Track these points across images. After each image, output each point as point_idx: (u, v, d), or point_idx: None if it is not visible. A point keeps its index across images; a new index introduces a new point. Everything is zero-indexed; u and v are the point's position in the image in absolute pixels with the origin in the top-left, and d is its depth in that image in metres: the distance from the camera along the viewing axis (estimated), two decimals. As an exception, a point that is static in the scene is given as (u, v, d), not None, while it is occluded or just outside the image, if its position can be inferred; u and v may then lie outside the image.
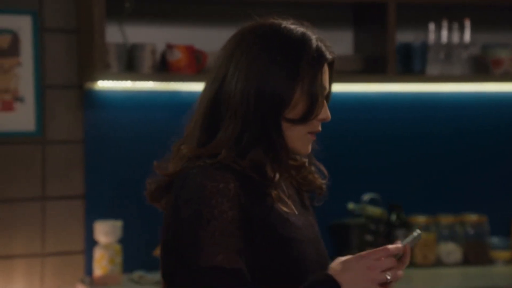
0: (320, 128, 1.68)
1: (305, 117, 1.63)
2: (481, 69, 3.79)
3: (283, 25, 1.66)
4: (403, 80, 3.57)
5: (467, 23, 3.66)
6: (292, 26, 1.67)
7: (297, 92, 1.62)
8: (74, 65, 3.38)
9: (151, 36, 3.40)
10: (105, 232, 3.30)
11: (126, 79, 3.23)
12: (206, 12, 3.50)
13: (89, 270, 3.39)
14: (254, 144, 1.61)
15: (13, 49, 3.30)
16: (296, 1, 3.59)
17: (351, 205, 3.70)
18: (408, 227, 3.74)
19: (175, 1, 3.48)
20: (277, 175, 1.67)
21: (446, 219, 3.78)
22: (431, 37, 3.65)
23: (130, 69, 3.29)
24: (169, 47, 3.30)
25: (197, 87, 3.41)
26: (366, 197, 3.70)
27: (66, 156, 3.39)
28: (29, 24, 3.31)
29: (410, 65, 3.62)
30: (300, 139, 1.66)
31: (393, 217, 3.72)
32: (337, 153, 3.72)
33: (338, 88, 3.66)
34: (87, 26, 3.24)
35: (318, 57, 1.64)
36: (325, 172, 1.82)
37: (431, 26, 3.64)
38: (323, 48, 1.66)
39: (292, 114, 1.63)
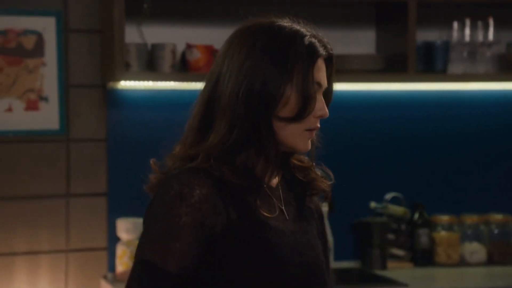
0: (318, 125, 1.65)
1: (299, 115, 1.61)
2: (506, 67, 3.77)
3: (276, 23, 1.64)
4: (423, 79, 3.58)
5: (491, 22, 3.65)
6: (286, 24, 1.64)
7: (287, 89, 1.60)
8: (97, 65, 3.45)
9: (172, 36, 3.45)
10: (127, 229, 3.36)
11: (146, 79, 3.29)
12: (226, 11, 3.54)
13: (111, 266, 3.45)
14: (245, 144, 1.61)
15: (38, 50, 3.38)
16: (319, 0, 3.61)
17: (373, 204, 3.71)
18: (431, 227, 3.74)
19: (195, 1, 3.52)
20: (269, 176, 1.66)
21: (470, 219, 3.77)
22: (455, 35, 3.64)
23: (151, 69, 3.34)
24: (189, 47, 3.35)
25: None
26: (388, 196, 3.70)
27: (89, 154, 3.46)
28: (53, 25, 3.38)
29: (432, 64, 3.62)
30: (297, 136, 1.64)
31: (416, 216, 3.72)
32: (360, 152, 3.73)
33: (360, 87, 3.69)
34: (108, 26, 3.31)
35: (309, 53, 1.61)
36: (331, 175, 1.78)
37: (455, 25, 3.63)
38: (317, 44, 1.63)
39: (285, 112, 1.61)
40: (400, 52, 3.52)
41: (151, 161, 1.74)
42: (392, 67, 3.56)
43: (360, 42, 3.71)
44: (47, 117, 3.39)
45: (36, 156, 3.41)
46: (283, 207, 1.68)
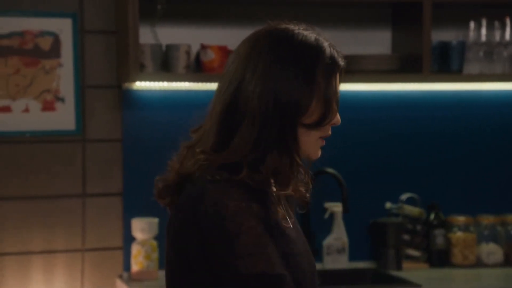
0: (330, 133, 1.69)
1: (320, 122, 1.64)
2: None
3: (296, 31, 1.66)
4: (438, 79, 3.57)
5: (508, 22, 3.63)
6: (306, 32, 1.67)
7: (313, 98, 1.63)
8: (113, 66, 3.48)
9: (186, 37, 3.47)
10: (142, 228, 3.39)
11: (160, 79, 3.31)
12: (240, 12, 3.56)
13: (127, 265, 3.48)
14: (270, 150, 1.61)
15: (54, 51, 3.41)
16: (335, 0, 3.61)
17: (388, 205, 3.70)
18: (447, 227, 3.72)
19: (209, 2, 3.54)
20: (295, 184, 1.68)
21: (486, 219, 3.75)
22: (471, 35, 3.62)
23: (165, 70, 3.36)
24: (203, 47, 3.36)
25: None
26: (404, 196, 3.70)
27: (105, 155, 3.49)
28: (70, 26, 3.42)
29: (447, 64, 3.61)
30: (314, 143, 1.66)
31: (432, 216, 3.71)
32: (375, 153, 3.73)
33: (376, 87, 3.69)
34: (122, 27, 3.33)
35: (332, 64, 1.64)
36: (310, 182, 1.76)
37: (471, 25, 3.62)
38: (336, 55, 1.66)
39: (308, 119, 1.64)
40: (416, 52, 3.51)
41: (169, 162, 1.72)
42: (407, 67, 3.55)
43: (376, 42, 3.71)
44: (63, 118, 3.43)
45: (52, 156, 3.45)
46: (286, 216, 1.70)
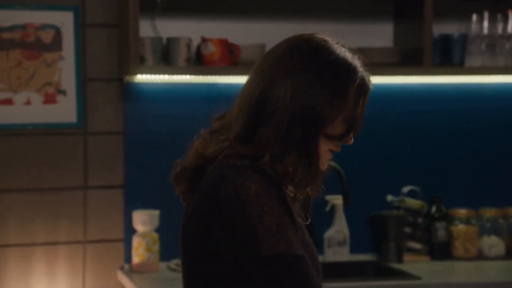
0: (340, 149, 1.74)
1: (342, 137, 1.69)
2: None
3: (335, 44, 1.70)
4: (439, 72, 3.56)
5: (510, 14, 3.62)
6: (343, 48, 1.71)
7: (340, 113, 1.67)
8: (114, 59, 3.49)
9: (187, 30, 3.48)
10: (143, 221, 3.41)
11: (161, 72, 3.32)
12: (240, 5, 3.56)
13: (128, 257, 3.50)
14: (290, 152, 1.65)
15: (56, 44, 3.43)
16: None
17: (389, 198, 3.71)
18: (448, 220, 3.73)
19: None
20: (316, 188, 1.72)
21: (488, 212, 3.75)
22: (473, 28, 3.62)
23: (166, 63, 3.37)
24: (203, 40, 3.37)
25: (231, 79, 3.49)
26: (405, 189, 3.70)
27: (106, 147, 3.50)
28: (71, 20, 3.43)
29: (449, 57, 3.60)
30: (325, 154, 1.70)
31: (433, 209, 3.71)
32: (377, 146, 3.73)
33: (377, 80, 3.67)
34: (123, 21, 3.34)
35: (363, 85, 1.69)
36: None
37: (474, 17, 3.61)
38: (367, 78, 1.71)
39: (332, 131, 1.68)
40: (417, 45, 3.51)
41: (197, 142, 1.72)
42: (409, 60, 3.55)
43: (378, 35, 3.71)
44: (65, 111, 3.45)
45: (54, 149, 3.47)
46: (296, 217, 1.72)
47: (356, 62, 1.69)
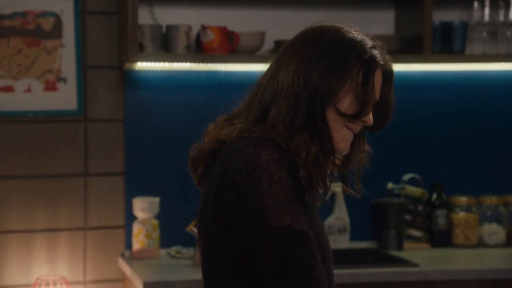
0: (358, 130, 1.71)
1: (355, 116, 1.67)
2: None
3: (345, 28, 1.71)
4: (439, 60, 3.55)
5: (512, 2, 3.61)
6: (354, 32, 1.71)
7: (344, 88, 1.66)
8: (114, 47, 3.50)
9: (187, 18, 3.48)
10: (143, 208, 3.42)
11: (160, 60, 3.33)
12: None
13: (129, 244, 3.52)
14: (302, 131, 1.66)
15: (56, 31, 3.44)
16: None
17: (390, 185, 3.71)
18: (449, 208, 3.73)
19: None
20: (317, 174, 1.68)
21: (489, 200, 3.75)
22: (475, 15, 3.60)
23: (166, 51, 3.38)
24: (203, 28, 3.37)
25: (231, 67, 3.49)
26: (406, 177, 3.70)
27: (106, 135, 3.52)
28: (71, 7, 3.44)
29: (450, 45, 3.59)
30: (340, 130, 1.69)
31: (434, 197, 3.72)
32: (377, 133, 3.72)
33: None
34: (122, 8, 3.35)
35: (370, 61, 1.67)
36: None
37: (475, 5, 3.60)
38: (378, 56, 1.69)
39: (341, 107, 1.67)
40: (418, 32, 3.50)
41: (209, 127, 1.74)
42: (409, 48, 3.54)
43: (379, 22, 3.70)
44: (65, 98, 3.46)
45: (54, 136, 3.48)
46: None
47: (366, 41, 1.69)
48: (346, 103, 1.67)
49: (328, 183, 1.72)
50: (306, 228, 1.58)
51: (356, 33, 1.71)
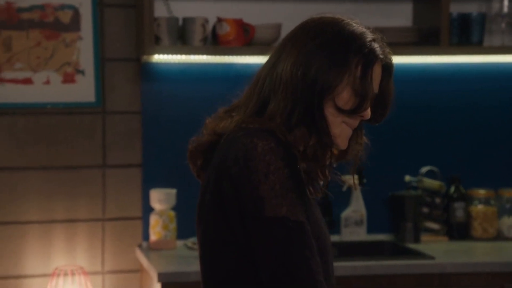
0: (356, 125, 1.70)
1: (353, 111, 1.66)
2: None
3: (345, 21, 1.70)
4: (456, 52, 3.54)
5: (531, -7, 3.58)
6: (354, 24, 1.70)
7: (341, 80, 1.65)
8: (132, 39, 3.52)
9: (203, 10, 3.50)
10: (160, 199, 3.45)
11: (176, 52, 3.35)
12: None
13: (146, 235, 3.55)
14: (299, 125, 1.66)
15: (74, 24, 3.47)
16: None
17: (407, 178, 3.70)
18: (467, 200, 3.71)
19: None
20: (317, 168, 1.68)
21: (508, 193, 3.73)
22: (494, 7, 3.58)
23: (182, 43, 3.40)
24: (219, 20, 3.39)
25: (247, 59, 3.50)
26: (424, 169, 3.69)
27: (124, 126, 3.55)
28: (89, 0, 3.47)
29: (468, 36, 3.57)
30: (338, 126, 1.68)
31: (452, 189, 3.70)
32: (395, 126, 3.72)
33: (394, 60, 3.66)
34: (139, 1, 3.37)
35: (368, 54, 1.66)
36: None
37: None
38: (378, 49, 1.68)
39: (341, 103, 1.66)
40: (435, 24, 3.49)
41: (207, 120, 1.75)
42: (427, 40, 3.53)
43: (397, 14, 3.69)
44: (84, 90, 3.49)
45: (73, 128, 3.52)
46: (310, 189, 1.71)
47: (366, 35, 1.68)
48: (344, 97, 1.66)
49: (328, 175, 1.72)
50: (302, 218, 1.58)
51: (356, 26, 1.69)
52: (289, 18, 3.54)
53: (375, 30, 1.71)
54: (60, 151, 3.51)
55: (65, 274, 3.41)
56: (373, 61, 1.66)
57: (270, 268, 1.57)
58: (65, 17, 3.46)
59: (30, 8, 3.44)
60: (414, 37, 3.52)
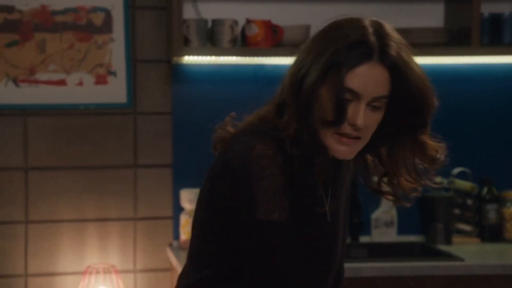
0: (347, 131, 1.61)
1: (332, 123, 1.60)
2: None
3: (355, 21, 1.63)
4: (487, 52, 3.51)
5: None
6: (355, 24, 1.61)
7: (321, 87, 1.59)
8: (163, 41, 3.57)
9: (232, 12, 3.52)
10: (189, 199, 3.48)
11: (205, 54, 3.38)
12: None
13: (176, 234, 3.59)
14: (297, 128, 1.63)
15: (106, 26, 3.52)
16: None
17: (438, 179, 3.67)
18: (500, 202, 3.68)
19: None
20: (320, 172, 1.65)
21: (542, 195, 3.69)
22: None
23: (211, 45, 3.43)
24: (248, 22, 3.41)
25: (276, 60, 3.51)
26: (455, 171, 3.66)
27: (155, 127, 3.59)
28: (121, 2, 3.52)
29: (499, 37, 3.54)
30: (327, 139, 1.63)
31: (484, 191, 3.67)
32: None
33: (425, 61, 3.64)
34: (169, 3, 3.41)
35: (349, 58, 1.58)
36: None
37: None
38: (363, 50, 1.58)
39: (322, 111, 1.60)
40: (466, 25, 3.47)
41: (228, 117, 1.76)
42: (458, 41, 3.51)
43: (429, 15, 3.67)
44: (115, 91, 3.55)
45: (105, 128, 3.57)
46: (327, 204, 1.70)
47: (352, 35, 1.58)
48: (324, 105, 1.59)
49: (322, 191, 1.66)
50: (290, 225, 1.59)
51: (349, 26, 1.61)
52: (318, 19, 3.54)
53: (401, 31, 1.63)
54: (92, 151, 3.57)
55: (97, 272, 3.46)
56: (349, 65, 1.57)
57: (252, 268, 1.61)
58: (98, 19, 3.52)
59: (64, 11, 3.50)
60: (444, 37, 3.50)
